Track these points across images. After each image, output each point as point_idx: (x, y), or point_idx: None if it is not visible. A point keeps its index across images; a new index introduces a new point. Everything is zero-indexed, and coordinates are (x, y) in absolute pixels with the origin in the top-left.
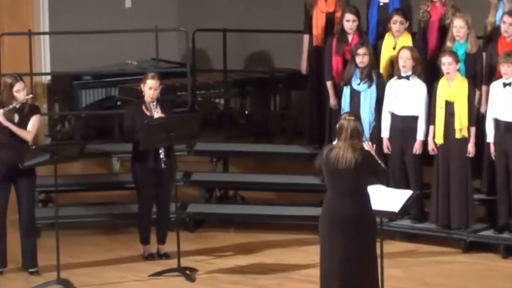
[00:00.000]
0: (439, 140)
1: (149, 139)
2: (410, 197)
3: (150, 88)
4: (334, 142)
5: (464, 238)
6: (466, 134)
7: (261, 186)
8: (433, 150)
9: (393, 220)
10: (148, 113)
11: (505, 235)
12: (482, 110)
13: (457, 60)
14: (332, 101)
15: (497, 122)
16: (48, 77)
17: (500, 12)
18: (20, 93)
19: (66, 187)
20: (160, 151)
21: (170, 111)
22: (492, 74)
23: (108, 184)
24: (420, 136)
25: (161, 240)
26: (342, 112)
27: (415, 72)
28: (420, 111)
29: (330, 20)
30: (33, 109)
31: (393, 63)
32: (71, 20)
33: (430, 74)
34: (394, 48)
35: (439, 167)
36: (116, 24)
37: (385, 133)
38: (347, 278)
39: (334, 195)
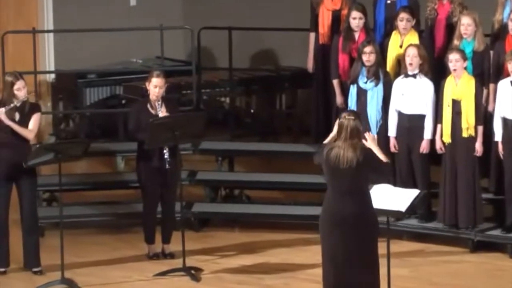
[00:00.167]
0: (447, 139)
1: (154, 138)
2: (417, 196)
3: (155, 86)
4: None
5: (472, 238)
6: (473, 133)
7: (266, 185)
8: (441, 149)
9: (400, 219)
10: (153, 111)
11: None
12: (490, 108)
13: (464, 58)
14: (339, 99)
15: (505, 120)
16: (53, 76)
17: (507, 9)
18: (21, 91)
19: (71, 186)
20: (165, 151)
21: (176, 110)
22: (500, 72)
23: (112, 183)
24: (427, 135)
25: (166, 240)
26: None
27: (422, 70)
28: (427, 110)
29: (336, 18)
30: (34, 107)
31: (399, 61)
32: (75, 18)
33: (437, 73)
34: (400, 47)
35: (447, 166)
36: (121, 22)
37: (392, 132)
38: (348, 278)
39: (335, 194)
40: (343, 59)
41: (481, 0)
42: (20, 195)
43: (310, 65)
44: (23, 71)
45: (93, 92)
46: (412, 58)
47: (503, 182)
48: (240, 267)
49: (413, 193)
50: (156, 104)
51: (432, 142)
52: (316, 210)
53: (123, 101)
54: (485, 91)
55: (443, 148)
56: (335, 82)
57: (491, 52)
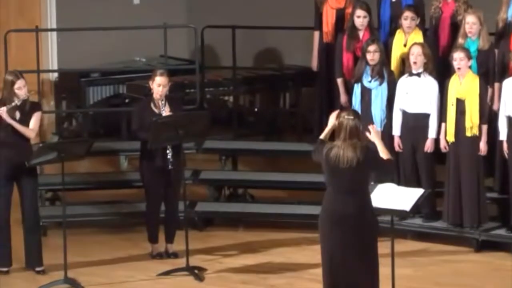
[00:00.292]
0: (450, 138)
1: (157, 137)
2: (422, 195)
3: (158, 85)
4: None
5: (476, 237)
6: (476, 132)
7: (270, 184)
8: (445, 148)
9: (404, 219)
10: (156, 110)
11: None
12: (495, 107)
13: (469, 57)
14: (343, 98)
15: (510, 119)
16: (56, 74)
17: None
18: (22, 90)
19: (74, 185)
20: (168, 151)
21: (180, 109)
22: (505, 71)
23: (115, 183)
24: (431, 134)
25: (170, 239)
26: None
27: (426, 69)
28: (431, 109)
29: (341, 17)
30: (34, 106)
31: (404, 60)
32: (78, 17)
33: (442, 71)
34: (405, 45)
35: (451, 166)
36: (124, 21)
37: (396, 131)
38: (347, 277)
39: (335, 194)
40: (347, 58)
41: None
42: (21, 194)
43: (314, 64)
44: (26, 70)
45: (96, 91)
46: (417, 57)
47: (507, 181)
48: (244, 266)
49: (418, 192)
50: (160, 103)
51: (437, 141)
52: (320, 210)
53: (127, 100)
54: (490, 90)
55: (447, 147)
56: (339, 81)
57: (496, 51)
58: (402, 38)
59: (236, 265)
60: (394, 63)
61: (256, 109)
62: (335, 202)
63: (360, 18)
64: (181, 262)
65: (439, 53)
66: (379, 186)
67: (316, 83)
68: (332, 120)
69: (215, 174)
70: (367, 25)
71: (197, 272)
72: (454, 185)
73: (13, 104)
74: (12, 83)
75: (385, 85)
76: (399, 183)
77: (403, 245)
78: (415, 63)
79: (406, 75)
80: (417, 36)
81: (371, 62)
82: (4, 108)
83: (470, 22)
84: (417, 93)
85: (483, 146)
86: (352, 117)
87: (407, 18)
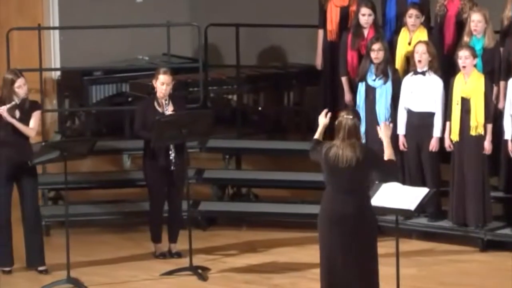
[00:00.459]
0: (455, 137)
1: (160, 136)
2: (427, 195)
3: (162, 83)
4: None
5: (482, 237)
6: (481, 132)
7: (274, 184)
8: (450, 146)
9: (409, 218)
10: (160, 109)
11: None
12: (500, 106)
13: (474, 55)
14: (347, 97)
15: None
16: (58, 73)
17: None
18: (22, 89)
19: (76, 184)
20: (171, 152)
21: (183, 107)
22: (510, 70)
23: (119, 182)
24: (436, 132)
25: (173, 239)
26: (357, 109)
27: (431, 67)
28: (436, 107)
29: (345, 15)
30: (34, 105)
31: (408, 59)
32: (81, 15)
33: (447, 70)
34: (409, 44)
35: (455, 165)
36: (127, 19)
37: (401, 130)
38: (347, 277)
39: (334, 193)
40: (351, 56)
41: None
42: (22, 194)
43: (318, 62)
44: (28, 68)
45: (99, 89)
46: (421, 55)
47: None
48: (248, 266)
49: (423, 191)
50: (163, 102)
51: (442, 140)
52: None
53: (130, 99)
54: (495, 89)
55: (451, 146)
56: (344, 79)
57: (501, 49)
58: (406, 36)
59: (239, 264)
60: (398, 62)
61: (260, 108)
62: (334, 202)
63: (365, 16)
64: (184, 262)
65: (444, 51)
66: (384, 186)
67: (320, 82)
68: (321, 119)
69: (219, 173)
70: (372, 23)
71: (200, 272)
72: (459, 184)
73: (13, 103)
74: (12, 82)
75: (389, 83)
76: (404, 182)
77: (408, 245)
78: (419, 61)
79: (411, 73)
80: (422, 34)
81: (375, 61)
82: (4, 107)
83: (476, 20)
84: (422, 92)
85: (488, 145)
86: (351, 117)
87: (412, 16)
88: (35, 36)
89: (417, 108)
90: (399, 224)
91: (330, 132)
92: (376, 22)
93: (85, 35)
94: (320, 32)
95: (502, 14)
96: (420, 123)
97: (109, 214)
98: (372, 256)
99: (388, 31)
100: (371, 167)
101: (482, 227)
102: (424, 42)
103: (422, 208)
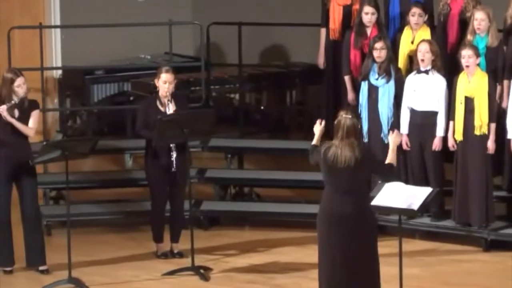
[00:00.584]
0: (459, 136)
1: (162, 135)
2: (430, 194)
3: (164, 82)
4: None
5: (485, 237)
6: (485, 131)
7: (276, 183)
8: (453, 146)
9: (412, 218)
10: (162, 108)
11: None
12: (504, 105)
13: (477, 54)
14: (350, 96)
15: None
16: (60, 72)
17: None
18: (21, 88)
19: (78, 184)
20: (172, 152)
21: (186, 106)
22: None
23: (120, 181)
24: (439, 132)
25: (175, 239)
26: (359, 108)
27: (434, 66)
28: (439, 106)
29: (347, 13)
30: (33, 104)
31: (411, 57)
32: (82, 13)
33: (450, 69)
34: (412, 42)
35: (459, 164)
36: (129, 17)
37: (404, 129)
38: (346, 277)
39: (333, 193)
40: (354, 55)
41: None
42: (21, 193)
43: (321, 61)
44: (30, 67)
45: (101, 88)
46: (424, 54)
47: None
48: (250, 266)
49: (426, 191)
50: (165, 101)
51: (445, 139)
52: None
53: (131, 98)
54: (498, 88)
55: (455, 146)
56: (347, 78)
57: (505, 48)
58: (409, 35)
59: (242, 264)
60: (401, 60)
61: (262, 107)
62: (333, 202)
63: (368, 15)
64: (186, 262)
65: (447, 50)
66: (387, 185)
67: (323, 81)
68: (316, 128)
69: (221, 173)
70: (375, 21)
71: (202, 272)
72: (462, 184)
73: (12, 102)
74: (12, 81)
75: (392, 82)
76: (407, 181)
77: (411, 245)
78: (422, 60)
79: (414, 72)
80: (425, 33)
81: (378, 60)
82: (4, 106)
83: (479, 19)
84: (425, 91)
85: (491, 145)
86: (350, 116)
87: (415, 15)
88: (37, 34)
89: (420, 107)
90: (402, 224)
91: (330, 134)
92: (379, 21)
93: (87, 34)
94: (323, 31)
95: (506, 12)
96: (423, 122)
97: (111, 213)
98: (372, 256)
99: (391, 30)
100: (369, 167)
101: (485, 227)
102: (427, 40)
103: (425, 208)
